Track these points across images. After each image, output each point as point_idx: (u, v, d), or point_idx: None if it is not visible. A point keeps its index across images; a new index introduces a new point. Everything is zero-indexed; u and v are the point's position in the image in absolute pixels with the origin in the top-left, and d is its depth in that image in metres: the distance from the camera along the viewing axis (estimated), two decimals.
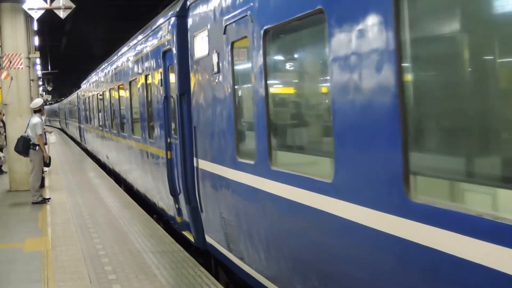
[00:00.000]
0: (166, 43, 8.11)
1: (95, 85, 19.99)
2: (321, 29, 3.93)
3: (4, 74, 13.56)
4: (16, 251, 7.94)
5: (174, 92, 7.87)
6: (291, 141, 5.02)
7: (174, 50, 7.63)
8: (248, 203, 5.37)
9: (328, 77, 3.86)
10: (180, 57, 7.45)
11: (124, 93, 12.90)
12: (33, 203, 11.73)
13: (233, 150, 5.66)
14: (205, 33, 6.40)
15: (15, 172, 13.93)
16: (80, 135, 29.09)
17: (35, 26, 16.26)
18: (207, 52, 6.34)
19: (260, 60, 4.81)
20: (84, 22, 25.43)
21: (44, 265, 7.13)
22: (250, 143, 5.38)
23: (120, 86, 13.51)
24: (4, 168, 17.25)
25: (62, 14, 13.10)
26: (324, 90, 4.24)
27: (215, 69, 6.06)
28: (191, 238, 7.67)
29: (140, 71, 10.57)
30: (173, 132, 8.15)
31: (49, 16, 14.05)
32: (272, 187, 4.74)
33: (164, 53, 8.35)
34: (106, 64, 16.96)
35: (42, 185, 12.87)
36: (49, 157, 12.08)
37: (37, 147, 11.64)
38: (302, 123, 4.91)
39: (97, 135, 19.94)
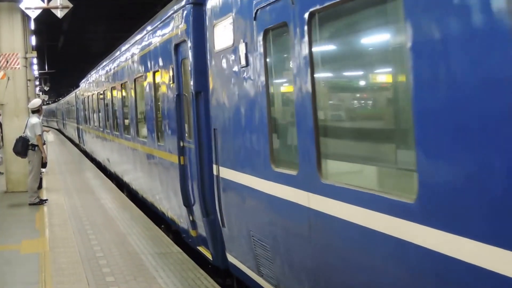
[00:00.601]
0: (179, 34, 7.23)
1: (95, 84, 18.91)
2: (394, 7, 3.22)
3: (1, 74, 13.49)
4: (13, 252, 7.89)
5: (188, 90, 7.11)
6: (348, 148, 4.09)
7: (189, 42, 6.78)
8: (289, 222, 4.51)
9: (397, 68, 3.22)
10: (196, 50, 6.63)
11: (128, 92, 11.94)
12: (30, 204, 11.65)
13: (266, 157, 4.82)
14: (229, 20, 5.54)
15: (12, 173, 13.86)
16: (79, 136, 28.20)
17: (32, 26, 16.19)
18: (231, 43, 5.50)
19: (304, 50, 4.03)
20: (82, 22, 25.36)
21: (42, 267, 7.09)
22: (290, 150, 4.59)
23: (124, 85, 12.55)
24: (0, 169, 17.17)
25: (59, 13, 13.03)
26: (391, 83, 3.54)
27: (243, 62, 5.21)
28: (208, 255, 6.78)
29: (147, 67, 9.62)
30: (186, 135, 7.28)
31: (46, 16, 13.98)
32: (323, 204, 3.93)
33: (177, 46, 7.47)
34: (107, 61, 15.76)
35: (40, 186, 12.79)
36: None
37: (36, 148, 11.57)
38: (364, 126, 3.98)
39: (97, 137, 18.93)
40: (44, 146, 12.01)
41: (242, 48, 5.23)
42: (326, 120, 4.08)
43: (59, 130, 53.01)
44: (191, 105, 6.82)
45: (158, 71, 8.73)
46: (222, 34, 5.78)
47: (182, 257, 7.28)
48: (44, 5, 12.88)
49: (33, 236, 8.93)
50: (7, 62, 13.44)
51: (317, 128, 4.00)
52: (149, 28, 9.59)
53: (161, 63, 8.48)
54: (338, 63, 4.20)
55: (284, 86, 4.82)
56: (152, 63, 9.12)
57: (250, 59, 5.07)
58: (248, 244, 5.40)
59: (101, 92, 16.80)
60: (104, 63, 16.48)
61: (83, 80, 24.56)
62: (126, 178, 12.96)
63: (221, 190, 6.04)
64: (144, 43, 9.92)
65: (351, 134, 4.06)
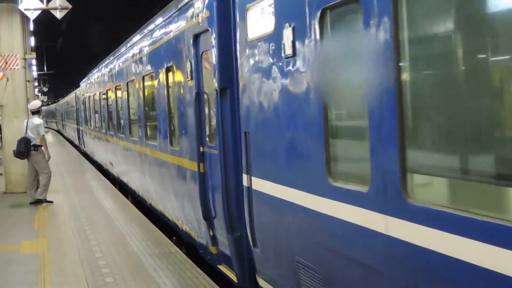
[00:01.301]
0: (200, 23, 6.33)
1: (97, 84, 17.78)
2: None
3: (0, 75, 13.53)
4: (13, 253, 7.91)
5: (209, 87, 6.30)
6: (448, 159, 3.06)
7: (214, 32, 5.88)
8: (352, 251, 3.65)
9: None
10: (222, 40, 5.75)
11: (136, 91, 10.94)
12: (37, 200, 11.79)
13: (321, 168, 3.92)
14: (269, 1, 4.68)
15: (11, 174, 13.89)
16: (79, 138, 27.20)
17: (31, 27, 16.22)
18: (272, 29, 4.61)
19: (385, 35, 3.13)
20: (80, 22, 25.39)
21: (41, 267, 7.11)
22: (357, 159, 3.79)
23: (130, 83, 11.59)
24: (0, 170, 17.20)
25: (58, 14, 13.08)
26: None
27: (288, 51, 4.32)
28: (231, 275, 5.99)
29: (158, 63, 8.67)
30: (207, 139, 6.43)
31: (45, 17, 14.01)
32: (410, 232, 3.02)
33: (196, 37, 6.56)
34: (111, 59, 14.58)
35: (38, 186, 12.86)
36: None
37: (38, 148, 11.66)
38: (487, 128, 2.84)
39: (99, 139, 17.95)
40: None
41: (287, 34, 4.33)
42: (415, 120, 3.17)
43: (58, 131, 53.00)
44: (214, 105, 5.99)
45: (171, 67, 7.83)
46: (259, 19, 4.91)
47: (180, 257, 7.31)
48: (43, 6, 12.93)
49: (32, 236, 8.96)
50: (6, 63, 13.47)
51: (403, 130, 3.08)
52: (160, 19, 8.56)
53: (175, 58, 7.54)
54: (435, 51, 3.15)
55: (349, 79, 3.72)
56: (165, 58, 8.17)
57: (299, 47, 4.18)
58: (291, 270, 4.54)
59: (104, 92, 15.92)
60: (108, 61, 15.42)
61: (83, 80, 23.76)
62: (132, 184, 12.00)
63: (254, 204, 5.16)
64: (154, 37, 8.95)
65: (460, 139, 2.98)
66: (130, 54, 11.46)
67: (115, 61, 13.72)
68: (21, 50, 13.80)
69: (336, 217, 3.78)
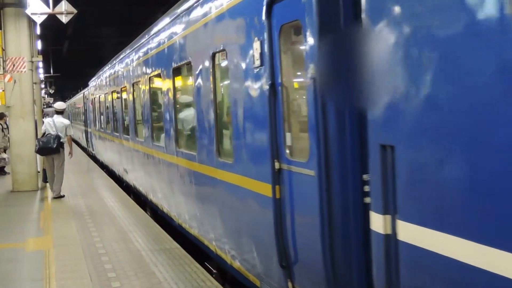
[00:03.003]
0: None
1: (110, 81, 15.98)
2: None
3: (8, 77, 13.80)
4: (19, 250, 8.05)
5: (290, 76, 4.64)
6: None
7: None
8: None
9: None
10: (324, 4, 3.90)
11: (162, 88, 8.97)
12: (56, 197, 12.50)
13: None
14: None
15: (18, 173, 14.12)
16: (87, 140, 25.76)
17: (38, 31, 16.50)
18: None
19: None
20: (86, 27, 25.65)
21: (46, 263, 7.24)
22: None
23: (154, 79, 9.81)
24: (6, 169, 17.47)
25: (64, 19, 13.34)
26: None
27: None
28: None
29: (200, 48, 6.73)
30: (286, 151, 4.52)
31: (51, 21, 14.29)
32: None
33: (271, 4, 4.60)
34: (128, 52, 12.66)
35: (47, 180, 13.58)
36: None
37: (64, 147, 12.46)
38: None
39: (110, 142, 16.40)
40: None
41: None
42: None
43: None
44: (299, 101, 4.52)
45: (221, 52, 6.12)
46: None
47: (180, 253, 7.47)
48: (50, 10, 13.18)
49: (38, 234, 9.12)
50: (14, 65, 13.77)
51: None
52: None
53: (229, 40, 5.72)
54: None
55: None
56: (211, 41, 6.29)
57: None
58: None
59: (118, 90, 14.19)
60: (123, 55, 13.44)
61: (93, 79, 22.13)
62: (154, 197, 10.24)
63: (404, 268, 3.15)
64: (193, 17, 6.98)
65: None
66: (153, 43, 9.51)
67: (133, 54, 11.83)
68: (28, 53, 14.05)
69: None
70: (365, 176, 3.77)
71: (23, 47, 13.94)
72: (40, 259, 7.50)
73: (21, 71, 13.87)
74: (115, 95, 15.19)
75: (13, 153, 14.18)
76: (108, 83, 16.71)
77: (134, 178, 12.59)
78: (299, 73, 4.55)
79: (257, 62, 4.91)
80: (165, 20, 8.76)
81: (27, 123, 14.09)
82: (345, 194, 3.92)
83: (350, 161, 3.90)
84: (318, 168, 4.02)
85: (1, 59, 13.98)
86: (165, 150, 8.83)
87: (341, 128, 3.91)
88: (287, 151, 4.56)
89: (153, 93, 10.25)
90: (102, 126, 18.48)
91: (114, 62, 15.40)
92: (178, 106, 8.32)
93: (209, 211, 6.71)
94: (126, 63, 13.02)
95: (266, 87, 4.70)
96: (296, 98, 4.65)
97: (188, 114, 7.84)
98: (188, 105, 7.94)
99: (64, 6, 13.21)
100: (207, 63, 6.46)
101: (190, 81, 7.38)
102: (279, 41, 4.59)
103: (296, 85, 4.68)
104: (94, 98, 21.11)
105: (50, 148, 12.19)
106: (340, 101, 3.90)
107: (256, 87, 5.02)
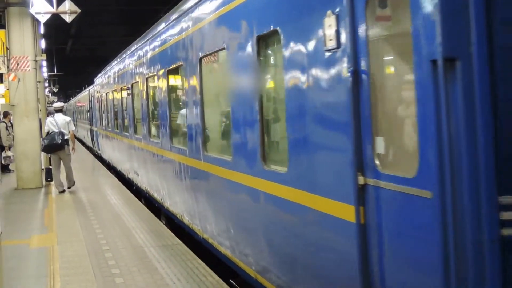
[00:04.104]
0: None
1: (119, 77, 14.63)
2: None
3: (12, 76, 13.92)
4: (24, 247, 8.11)
5: (380, 62, 3.52)
6: None
7: None
8: None
9: None
10: None
11: (186, 80, 7.50)
12: (60, 192, 13.13)
13: None
14: None
15: (22, 171, 14.24)
16: (92, 140, 24.61)
17: (42, 30, 16.61)
18: None
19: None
20: (89, 26, 25.77)
21: (50, 260, 7.30)
22: None
23: (174, 71, 8.41)
24: (11, 167, 17.60)
25: (68, 18, 13.44)
26: None
27: None
28: None
29: (237, 31, 5.45)
30: (377, 162, 3.39)
31: (55, 20, 14.40)
32: None
33: None
34: (141, 43, 11.26)
35: (50, 179, 13.88)
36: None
37: (68, 143, 12.93)
38: None
39: (118, 142, 15.32)
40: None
41: None
42: None
43: None
44: (421, 95, 2.99)
45: (271, 34, 4.78)
46: None
47: (182, 249, 7.55)
48: (53, 10, 13.28)
49: (42, 231, 9.20)
50: (18, 64, 13.89)
51: None
52: None
53: (285, 16, 4.50)
54: None
55: None
56: (256, 21, 5.01)
57: None
58: None
59: (129, 86, 12.73)
60: (135, 47, 12.01)
61: (99, 75, 20.44)
62: (172, 205, 9.00)
63: None
64: None
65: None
66: (174, 30, 8.11)
67: (147, 45, 10.44)
68: (32, 52, 14.17)
69: None
70: (503, 199, 2.72)
71: (27, 46, 14.06)
72: (45, 255, 7.58)
73: (25, 70, 13.98)
74: (124, 92, 13.64)
75: (18, 151, 14.31)
76: (117, 79, 15.09)
77: (147, 183, 11.11)
78: (400, 56, 3.40)
79: (331, 43, 3.71)
80: (187, 4, 7.36)
81: (31, 122, 14.22)
82: (479, 227, 2.71)
83: (483, 177, 2.72)
84: (439, 187, 2.80)
85: (5, 58, 14.11)
86: (188, 153, 7.55)
87: (486, 133, 2.72)
88: (377, 161, 3.38)
89: (172, 88, 8.78)
90: (110, 124, 17.12)
91: (124, 56, 13.78)
92: (206, 102, 6.89)
93: (248, 230, 5.50)
94: (138, 55, 11.42)
95: (347, 75, 3.54)
96: (392, 90, 3.45)
97: (220, 112, 6.72)
98: (220, 101, 6.78)
99: (67, 5, 13.31)
100: (249, 49, 5.12)
101: (224, 72, 6.16)
102: (366, 16, 3.41)
103: (380, 74, 3.47)
104: (101, 95, 19.49)
105: (55, 144, 12.57)
106: (481, 93, 2.70)
107: (329, 77, 3.83)
